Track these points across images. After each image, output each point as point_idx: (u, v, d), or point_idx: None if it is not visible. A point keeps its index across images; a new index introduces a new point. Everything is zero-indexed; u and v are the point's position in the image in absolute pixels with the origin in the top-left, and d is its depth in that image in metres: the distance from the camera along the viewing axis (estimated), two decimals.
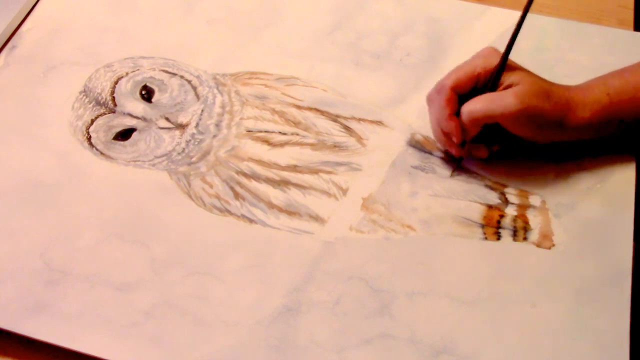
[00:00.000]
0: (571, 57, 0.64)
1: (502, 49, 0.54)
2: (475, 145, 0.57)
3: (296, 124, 0.63)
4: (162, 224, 0.58)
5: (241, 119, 0.63)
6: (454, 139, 0.56)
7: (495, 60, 0.55)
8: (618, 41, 0.60)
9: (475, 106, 0.54)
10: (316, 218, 0.57)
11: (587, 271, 0.54)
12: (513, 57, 0.55)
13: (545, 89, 0.54)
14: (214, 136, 0.62)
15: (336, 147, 0.61)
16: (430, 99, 0.57)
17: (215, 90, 0.65)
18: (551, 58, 0.65)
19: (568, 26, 0.68)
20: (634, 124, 0.56)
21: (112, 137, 0.63)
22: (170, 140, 0.62)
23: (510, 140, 0.56)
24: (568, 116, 0.54)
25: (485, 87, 0.55)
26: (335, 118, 0.63)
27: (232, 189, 0.59)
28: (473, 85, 0.55)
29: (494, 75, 0.55)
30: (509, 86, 0.54)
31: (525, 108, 0.52)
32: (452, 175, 0.58)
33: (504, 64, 0.54)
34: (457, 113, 0.55)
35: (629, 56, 0.61)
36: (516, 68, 0.55)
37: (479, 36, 0.67)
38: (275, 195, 0.59)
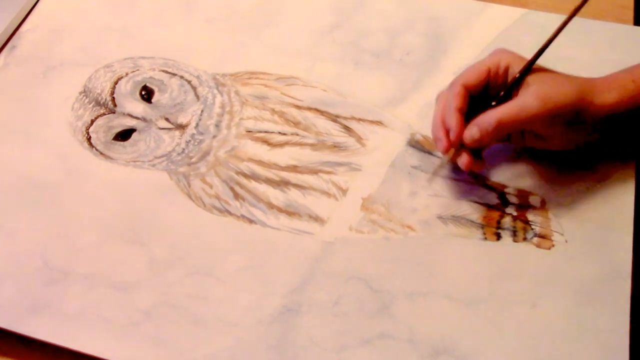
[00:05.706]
0: (572, 54, 0.64)
1: (504, 46, 0.53)
2: (466, 152, 0.54)
3: (296, 124, 0.62)
4: (162, 224, 0.58)
5: (241, 119, 0.63)
6: (452, 134, 0.53)
7: (505, 58, 0.53)
8: (618, 37, 0.60)
9: (504, 111, 0.51)
10: (316, 218, 0.57)
11: (587, 271, 0.54)
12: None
13: (564, 78, 0.53)
14: (214, 136, 0.62)
15: (336, 147, 0.61)
16: (439, 97, 0.56)
17: (215, 91, 0.65)
18: (551, 54, 0.64)
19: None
20: None
21: (112, 137, 0.63)
22: (170, 140, 0.62)
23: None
24: (594, 101, 0.52)
25: (498, 92, 0.53)
26: (335, 118, 0.63)
27: (231, 189, 0.59)
28: (484, 84, 0.54)
29: (515, 77, 0.53)
30: (525, 87, 0.52)
31: (552, 103, 0.51)
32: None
33: (529, 68, 0.52)
34: (466, 119, 0.53)
35: (629, 51, 0.60)
36: (534, 70, 0.53)
37: (479, 34, 0.67)
38: (275, 195, 0.59)
